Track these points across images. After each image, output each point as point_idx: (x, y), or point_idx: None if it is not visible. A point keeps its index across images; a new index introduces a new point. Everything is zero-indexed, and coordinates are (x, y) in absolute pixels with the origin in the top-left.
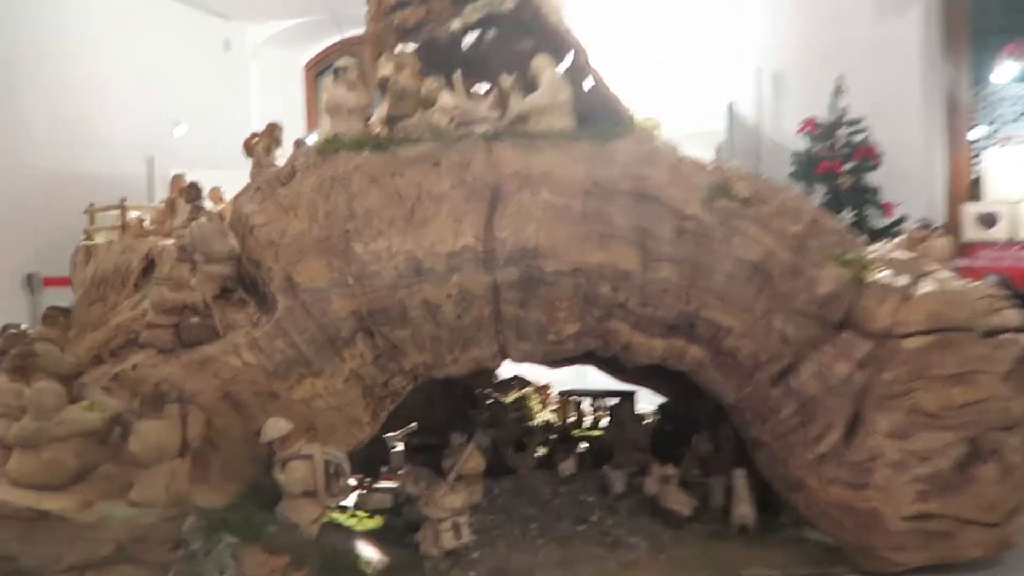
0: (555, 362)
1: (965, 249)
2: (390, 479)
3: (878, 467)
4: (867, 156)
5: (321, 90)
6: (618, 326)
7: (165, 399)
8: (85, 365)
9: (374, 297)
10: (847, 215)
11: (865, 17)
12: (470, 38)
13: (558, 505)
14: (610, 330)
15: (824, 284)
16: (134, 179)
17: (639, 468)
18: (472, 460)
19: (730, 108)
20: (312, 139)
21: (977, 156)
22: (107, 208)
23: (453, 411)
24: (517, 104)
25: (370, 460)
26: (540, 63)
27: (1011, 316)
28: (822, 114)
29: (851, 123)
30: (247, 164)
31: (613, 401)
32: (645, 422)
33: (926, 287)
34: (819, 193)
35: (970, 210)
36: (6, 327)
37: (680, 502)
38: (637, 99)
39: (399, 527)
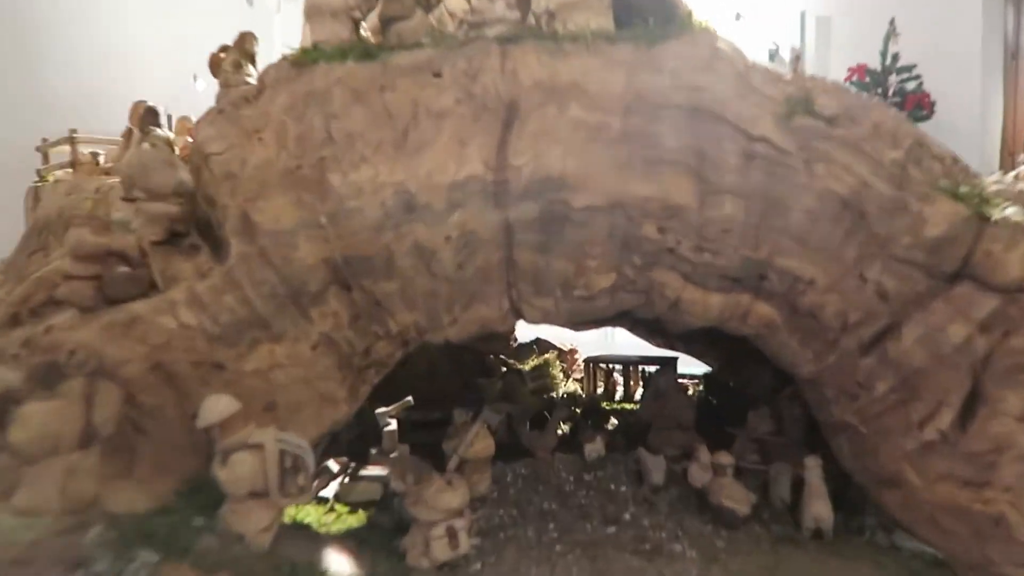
0: (581, 323)
1: None
2: (380, 464)
3: (1005, 460)
4: (920, 105)
5: None
6: (665, 277)
7: (62, 372)
8: (2, 327)
9: (353, 241)
10: None
11: None
12: None
13: (583, 498)
14: (655, 283)
15: (934, 223)
16: None
17: (682, 452)
18: (478, 442)
19: (772, 55)
20: None
21: None
22: (58, 143)
23: (460, 381)
24: None
25: (361, 439)
26: None
27: None
28: (872, 60)
29: (903, 70)
30: None
31: (650, 369)
32: (689, 393)
33: None
34: None
35: None
36: None
37: (736, 497)
38: None
39: (386, 527)
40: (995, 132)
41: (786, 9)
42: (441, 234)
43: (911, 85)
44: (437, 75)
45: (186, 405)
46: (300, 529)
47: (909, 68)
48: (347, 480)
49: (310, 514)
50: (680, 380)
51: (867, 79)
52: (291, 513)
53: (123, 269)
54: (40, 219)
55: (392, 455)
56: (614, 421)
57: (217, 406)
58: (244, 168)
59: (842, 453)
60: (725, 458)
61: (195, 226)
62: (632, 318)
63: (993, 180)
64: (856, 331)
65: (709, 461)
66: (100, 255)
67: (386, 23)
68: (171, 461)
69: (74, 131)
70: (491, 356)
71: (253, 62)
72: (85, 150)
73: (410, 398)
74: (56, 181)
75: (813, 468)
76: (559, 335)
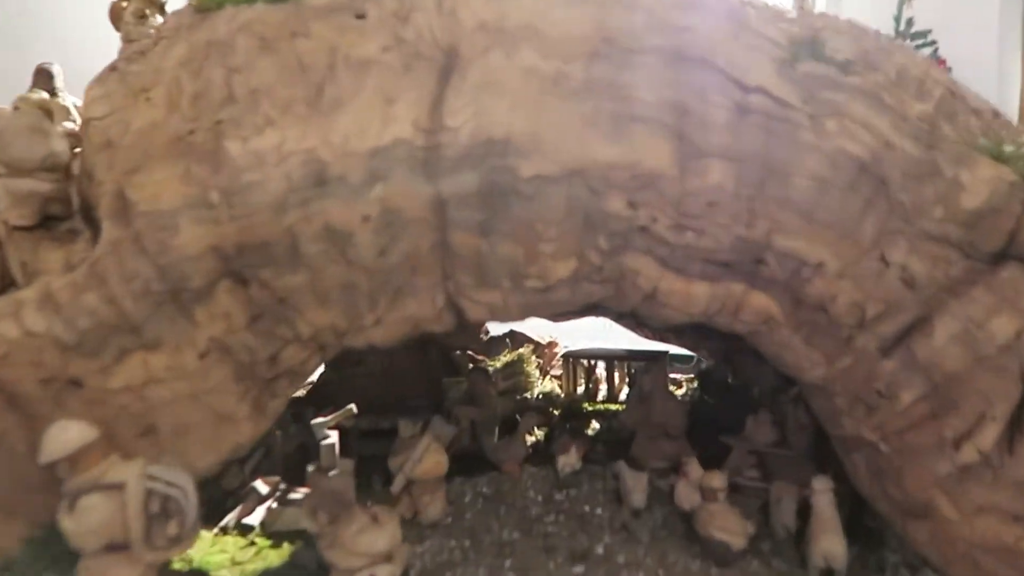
0: (558, 313)
1: None
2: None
3: None
4: None
5: None
6: (638, 263)
7: None
8: None
9: (249, 224)
10: None
11: None
12: None
13: (551, 524)
14: (626, 270)
15: (973, 191)
16: None
17: (670, 465)
18: (428, 459)
19: None
20: None
21: None
22: None
23: (423, 382)
24: None
25: (302, 452)
26: None
27: None
28: (885, 26)
29: (918, 35)
30: None
31: (639, 365)
32: (680, 394)
33: None
34: None
35: None
36: None
37: (729, 528)
38: None
39: (310, 568)
40: (1013, 100)
41: None
42: (358, 213)
43: (926, 51)
44: (360, 17)
45: (35, 433)
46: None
47: (924, 34)
48: (275, 505)
49: (227, 548)
50: (672, 377)
51: None
52: (203, 548)
53: None
54: None
55: (332, 472)
56: (596, 426)
57: (64, 435)
58: (125, 134)
59: (858, 474)
60: (716, 480)
61: (81, 209)
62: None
63: None
64: (876, 327)
65: (698, 482)
66: None
67: None
68: (17, 503)
69: None
70: (458, 352)
71: (162, 11)
72: None
73: (352, 406)
74: None
75: (822, 493)
76: (540, 326)
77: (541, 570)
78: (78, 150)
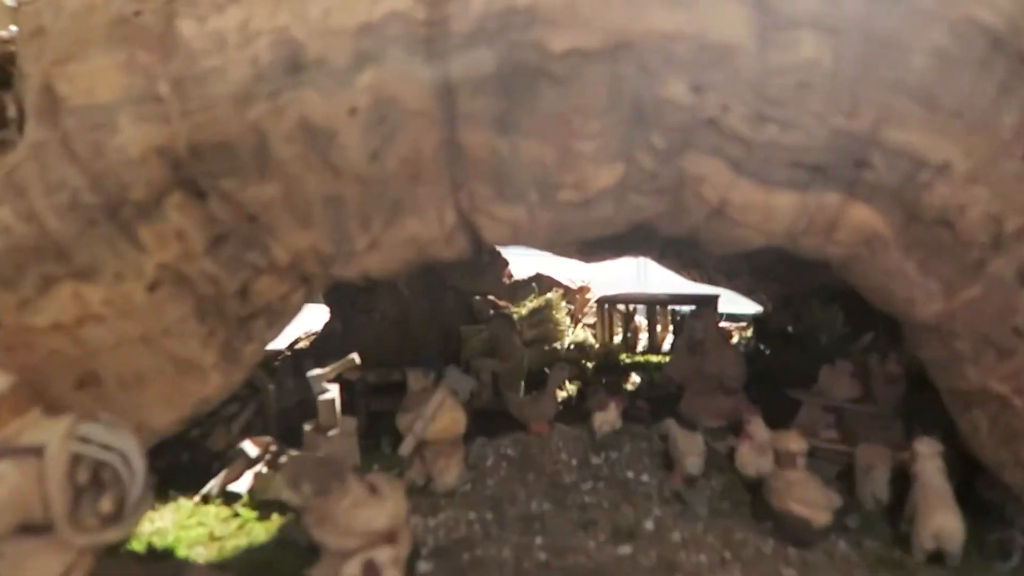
0: (591, 252)
1: None
2: (316, 445)
3: None
4: None
5: None
6: (704, 167)
7: None
8: None
9: (205, 120)
10: None
11: None
12: None
13: (588, 493)
14: (687, 177)
15: None
16: None
17: (727, 424)
18: (443, 417)
19: None
20: None
21: None
22: None
23: (439, 330)
24: None
25: (301, 409)
26: None
27: None
28: None
29: None
30: None
31: (684, 311)
32: (735, 343)
33: None
34: None
35: None
36: None
37: (811, 500)
38: None
39: (300, 544)
40: None
41: None
42: (342, 105)
43: None
44: None
45: None
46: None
47: None
48: (265, 470)
49: (206, 520)
50: (722, 326)
51: None
52: (180, 521)
53: None
54: None
55: (331, 432)
56: (636, 380)
57: None
58: (58, 18)
59: (977, 436)
60: (794, 442)
61: (18, 116)
62: (657, 242)
63: None
64: (1017, 246)
65: (767, 440)
66: None
67: None
68: None
69: None
70: (478, 298)
71: None
72: None
73: (354, 355)
74: None
75: (929, 458)
76: (570, 270)
77: (579, 550)
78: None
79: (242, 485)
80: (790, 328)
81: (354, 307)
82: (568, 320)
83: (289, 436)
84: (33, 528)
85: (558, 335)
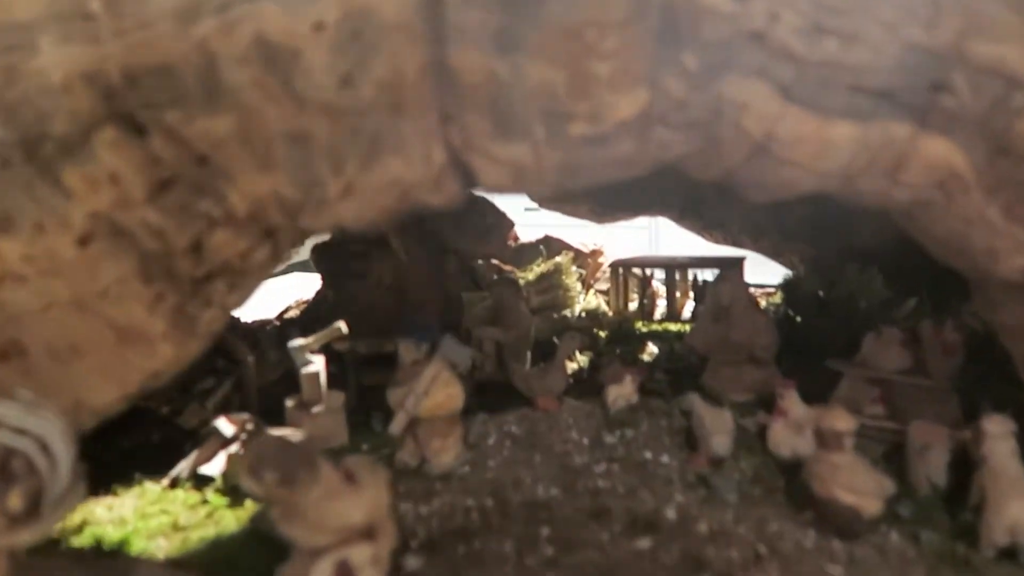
0: (605, 210)
1: None
2: (300, 422)
3: None
4: None
5: None
6: (747, 92)
7: None
8: None
9: (143, 40)
10: None
11: None
12: None
13: (601, 477)
14: (726, 104)
15: None
16: None
17: (756, 399)
18: (438, 392)
19: None
20: None
21: None
22: None
23: (440, 297)
24: None
25: (287, 382)
26: None
27: None
28: None
29: None
30: None
31: (706, 276)
32: (763, 308)
33: None
34: None
35: None
36: None
37: (860, 487)
38: None
39: (274, 535)
40: None
41: None
42: (307, 19)
43: None
44: None
45: None
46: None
47: None
48: (240, 450)
49: (171, 507)
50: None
51: None
52: (141, 508)
53: None
54: None
55: (316, 408)
56: (653, 350)
57: None
58: None
59: None
60: (842, 420)
61: None
62: (677, 199)
63: None
64: None
65: (803, 416)
66: None
67: None
68: None
69: None
70: (481, 261)
71: None
72: None
73: (340, 324)
74: None
75: (1001, 438)
76: (580, 232)
77: (591, 543)
78: None
79: (215, 467)
80: (822, 293)
81: (347, 273)
82: (579, 286)
83: (272, 413)
84: None
85: (568, 302)
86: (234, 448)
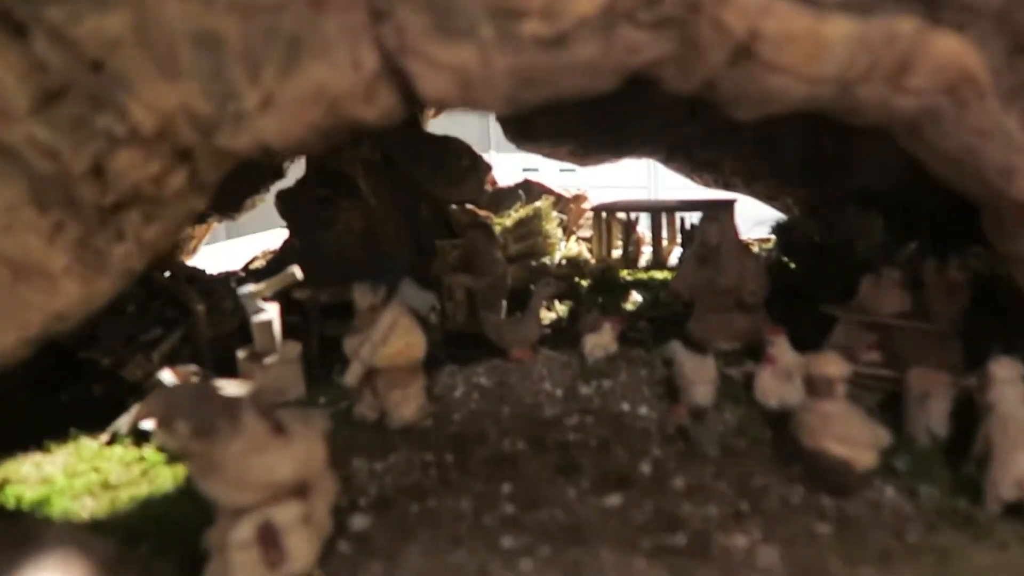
0: (587, 152)
1: None
2: (252, 373)
3: None
4: None
5: None
6: None
7: None
8: None
9: None
10: None
11: None
12: None
13: (572, 431)
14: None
15: None
16: None
17: (743, 347)
18: (397, 339)
19: None
20: None
21: None
22: None
23: (413, 244)
24: None
25: (240, 338)
26: None
27: None
28: None
29: None
30: None
31: (694, 220)
32: (757, 253)
33: None
34: None
35: None
36: None
37: (852, 438)
38: None
39: None
40: None
41: None
42: None
43: None
44: None
45: None
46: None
47: None
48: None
49: (104, 465)
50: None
51: None
52: (71, 466)
53: None
54: None
55: (269, 359)
56: (637, 299)
57: None
58: None
59: None
60: (834, 365)
61: None
62: (663, 138)
63: None
64: None
65: (793, 364)
66: None
67: None
68: None
69: None
70: (455, 206)
71: None
72: None
73: (294, 268)
74: None
75: (1010, 384)
76: (560, 177)
77: (556, 501)
78: None
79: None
80: (818, 238)
81: (313, 220)
82: (559, 232)
83: (227, 367)
84: None
85: (547, 249)
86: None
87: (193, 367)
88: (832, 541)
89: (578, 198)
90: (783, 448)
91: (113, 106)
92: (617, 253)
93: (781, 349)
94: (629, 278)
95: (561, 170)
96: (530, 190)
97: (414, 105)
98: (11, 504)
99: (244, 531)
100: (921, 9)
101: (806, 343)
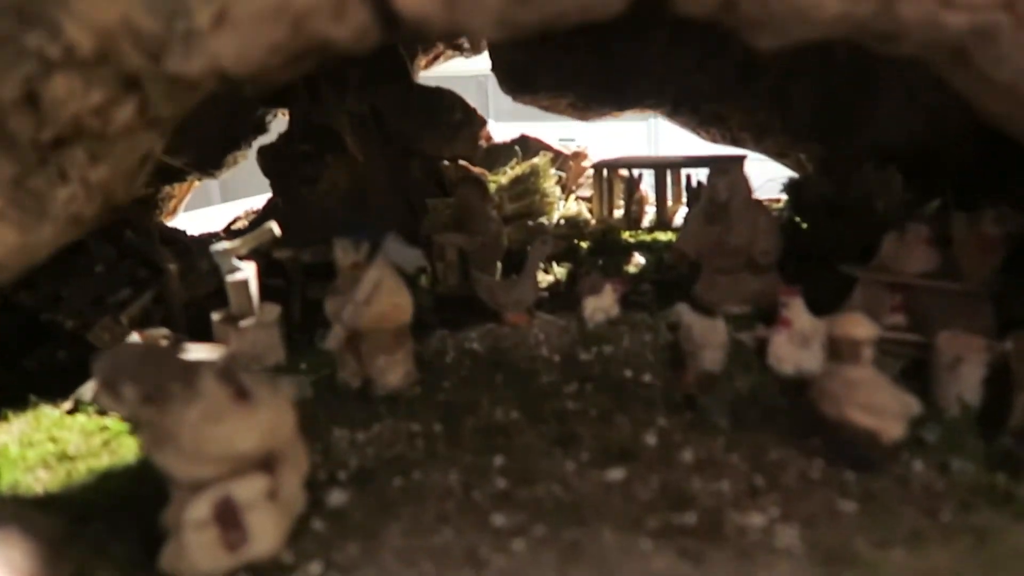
0: (587, 105)
1: None
2: (229, 337)
3: None
4: None
5: None
6: None
7: None
8: None
9: None
10: None
11: None
12: None
13: (572, 399)
14: None
15: None
16: None
17: (755, 311)
18: (381, 300)
19: None
20: None
21: None
22: None
23: (401, 202)
24: None
25: (217, 301)
26: None
27: None
28: None
29: None
30: None
31: (701, 177)
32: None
33: None
34: None
35: None
36: None
37: (880, 407)
38: None
39: None
40: None
41: None
42: None
43: None
44: None
45: None
46: None
47: None
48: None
49: (64, 435)
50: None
51: None
52: (27, 435)
53: None
54: None
55: (245, 322)
56: (640, 262)
57: None
58: None
59: None
60: (860, 327)
61: None
62: (669, 89)
63: None
64: None
65: (809, 328)
66: None
67: None
68: None
69: None
70: (448, 163)
71: None
72: None
73: (271, 224)
74: None
75: None
76: (562, 133)
77: (553, 475)
78: None
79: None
80: (832, 197)
81: (297, 177)
82: (558, 191)
83: (202, 331)
84: None
85: (545, 208)
86: None
87: (162, 330)
88: (857, 520)
89: (578, 155)
90: (800, 418)
91: (44, 22)
92: (619, 213)
93: (796, 311)
94: (631, 240)
95: (560, 139)
96: (527, 146)
97: (392, 30)
98: None
99: (200, 509)
100: None
101: (821, 308)
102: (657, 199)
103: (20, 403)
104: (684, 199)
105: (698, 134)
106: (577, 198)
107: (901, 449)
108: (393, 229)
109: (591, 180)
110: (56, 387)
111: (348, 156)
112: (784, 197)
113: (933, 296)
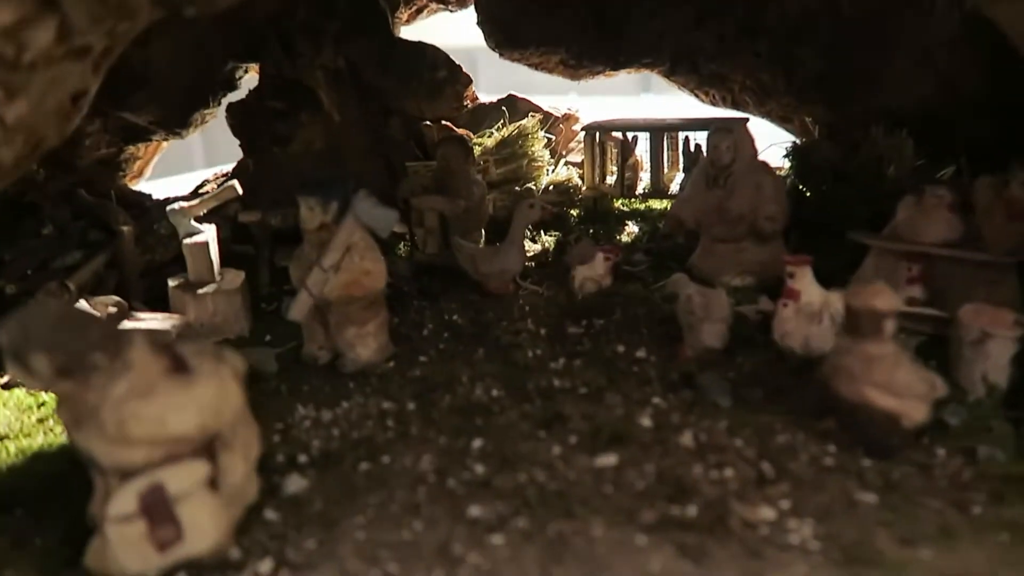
0: (580, 62)
1: None
2: (187, 308)
3: None
4: None
5: None
6: None
7: None
8: None
9: None
10: None
11: None
12: None
13: (559, 375)
14: None
15: None
16: None
17: (758, 283)
18: (351, 269)
19: None
20: None
21: None
22: None
23: (379, 163)
24: None
25: (178, 264)
26: None
27: None
28: None
29: None
30: None
31: (699, 141)
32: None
33: None
34: None
35: None
36: None
37: (902, 387)
38: None
39: None
40: None
41: None
42: None
43: None
44: None
45: None
46: None
47: None
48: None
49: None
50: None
51: None
52: None
53: None
54: None
55: (204, 289)
56: (633, 231)
57: None
58: None
59: None
60: (881, 298)
61: None
62: (668, 43)
63: None
64: None
65: (818, 301)
66: None
67: None
68: None
69: None
70: (429, 123)
71: None
72: None
73: (233, 182)
74: None
75: None
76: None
77: (537, 460)
78: None
79: None
80: (840, 162)
81: (269, 136)
82: (547, 154)
83: (162, 300)
84: None
85: (533, 173)
86: None
87: (114, 298)
88: (877, 513)
89: (568, 117)
90: (809, 399)
91: None
92: (612, 179)
93: (804, 282)
94: (625, 208)
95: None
96: (515, 107)
97: None
98: None
99: (125, 500)
100: None
101: (828, 279)
102: (652, 165)
103: None
104: (681, 165)
105: (697, 96)
106: (567, 163)
107: (922, 434)
108: (365, 187)
109: (582, 144)
110: None
111: (323, 114)
112: (787, 163)
113: (953, 267)
